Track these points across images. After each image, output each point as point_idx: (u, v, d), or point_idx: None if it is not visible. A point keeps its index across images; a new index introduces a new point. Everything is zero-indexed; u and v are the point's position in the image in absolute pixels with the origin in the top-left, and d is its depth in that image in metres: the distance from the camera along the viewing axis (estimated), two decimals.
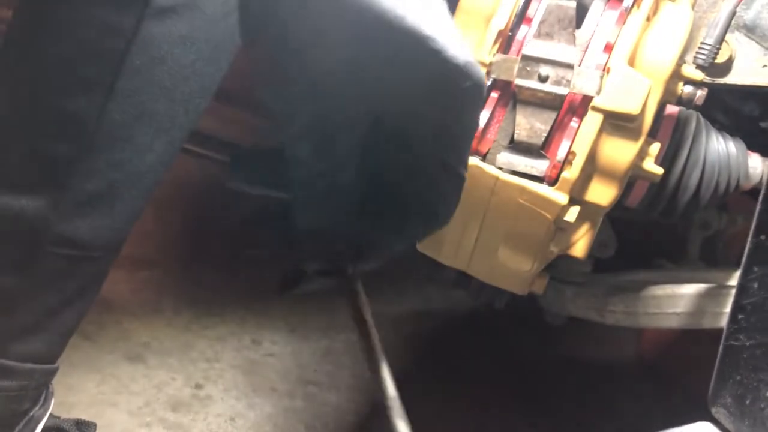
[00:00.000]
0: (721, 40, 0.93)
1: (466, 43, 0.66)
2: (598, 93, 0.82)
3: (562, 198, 0.83)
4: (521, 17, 0.87)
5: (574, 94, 0.83)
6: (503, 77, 0.84)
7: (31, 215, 0.72)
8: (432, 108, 0.72)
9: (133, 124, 0.72)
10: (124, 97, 0.70)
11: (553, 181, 0.84)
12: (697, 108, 0.91)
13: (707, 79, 0.95)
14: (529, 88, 0.83)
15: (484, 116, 0.86)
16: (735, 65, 0.96)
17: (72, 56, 0.69)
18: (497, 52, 0.85)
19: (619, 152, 0.84)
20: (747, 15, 0.96)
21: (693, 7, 0.91)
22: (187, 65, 0.72)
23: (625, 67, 0.83)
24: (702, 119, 0.98)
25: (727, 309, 0.74)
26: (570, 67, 0.82)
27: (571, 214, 0.85)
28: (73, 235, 0.73)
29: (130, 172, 0.74)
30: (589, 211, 0.88)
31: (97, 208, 0.74)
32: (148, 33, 0.68)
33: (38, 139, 0.71)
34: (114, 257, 0.80)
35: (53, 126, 0.71)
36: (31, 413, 0.83)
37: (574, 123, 0.84)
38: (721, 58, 0.95)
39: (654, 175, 0.88)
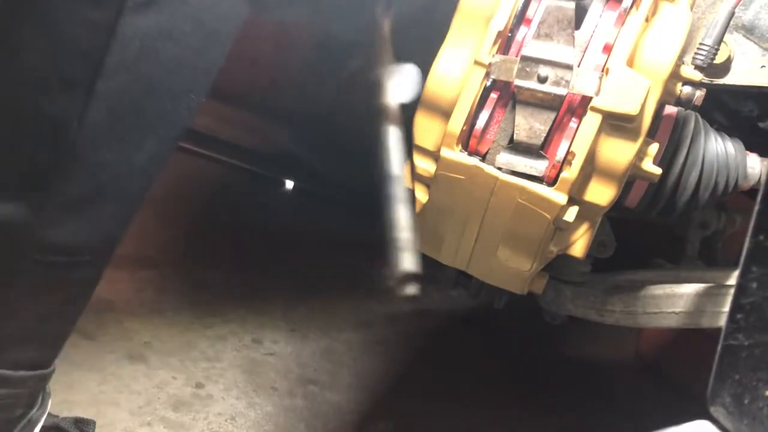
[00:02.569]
0: (720, 40, 0.94)
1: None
2: (597, 93, 0.82)
3: (561, 198, 0.83)
4: (520, 18, 0.87)
5: (573, 94, 0.84)
6: (503, 78, 0.85)
7: (13, 223, 0.69)
8: None
9: (118, 123, 0.69)
10: (106, 96, 0.67)
11: (552, 182, 0.84)
12: (695, 108, 0.91)
13: (706, 80, 0.95)
14: (528, 89, 0.83)
15: (483, 116, 0.87)
16: (733, 66, 0.96)
17: (49, 55, 0.66)
18: (497, 52, 0.85)
19: (618, 152, 0.84)
20: (745, 15, 0.96)
21: (692, 7, 0.91)
22: (174, 59, 0.69)
23: (624, 68, 0.83)
24: (701, 119, 0.98)
25: (726, 308, 0.74)
26: (569, 67, 0.82)
27: (570, 214, 0.85)
28: (60, 241, 0.70)
29: (118, 173, 0.71)
30: (588, 211, 0.88)
31: (83, 213, 0.71)
32: (128, 28, 0.65)
33: (16, 143, 0.68)
34: (106, 261, 0.77)
35: (32, 128, 0.68)
36: (29, 416, 0.82)
37: (573, 123, 0.84)
38: (719, 59, 0.95)
39: (653, 175, 0.88)
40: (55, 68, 0.66)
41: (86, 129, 0.68)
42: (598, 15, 0.87)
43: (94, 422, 0.97)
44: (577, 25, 0.86)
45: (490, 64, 0.85)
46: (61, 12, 0.65)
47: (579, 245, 0.91)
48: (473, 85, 0.85)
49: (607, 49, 0.85)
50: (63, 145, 0.68)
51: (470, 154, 0.87)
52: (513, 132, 0.85)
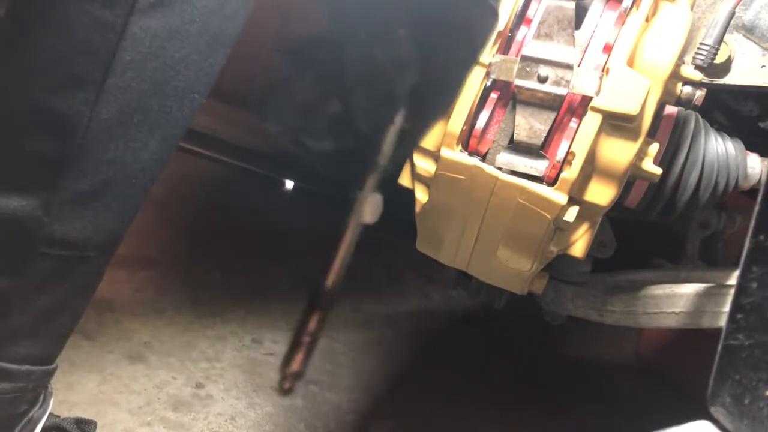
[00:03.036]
0: (720, 40, 0.94)
1: None
2: (597, 93, 0.82)
3: (561, 198, 0.83)
4: (521, 18, 0.87)
5: (574, 94, 0.84)
6: (503, 78, 0.85)
7: (22, 217, 0.70)
8: None
9: (126, 121, 0.70)
10: (115, 94, 0.69)
11: (552, 182, 0.84)
12: (696, 108, 0.91)
13: (706, 80, 0.95)
14: (528, 89, 0.83)
15: (483, 116, 0.87)
16: (734, 66, 0.96)
17: (61, 52, 0.67)
18: (497, 52, 0.85)
19: (618, 152, 0.84)
20: (746, 15, 0.96)
21: (692, 7, 0.91)
22: (180, 60, 0.70)
23: (624, 68, 0.83)
24: (701, 119, 0.98)
25: (726, 308, 0.74)
26: (569, 67, 0.82)
27: (571, 214, 0.85)
28: (67, 236, 0.72)
29: (125, 169, 0.72)
30: (588, 211, 0.88)
31: (90, 208, 0.72)
32: (137, 28, 0.67)
33: (27, 139, 0.70)
34: (110, 257, 0.79)
35: (42, 125, 0.69)
36: (30, 414, 0.82)
37: (573, 123, 0.84)
38: (719, 59, 0.95)
39: (653, 175, 0.88)
40: (66, 66, 0.68)
41: (95, 126, 0.69)
42: (598, 15, 0.87)
43: (95, 423, 0.97)
44: (577, 25, 0.86)
45: (490, 64, 0.85)
46: (72, 12, 0.66)
47: (579, 245, 0.91)
48: (473, 84, 0.85)
49: (608, 49, 0.85)
50: (72, 141, 0.69)
51: (470, 154, 0.87)
52: (513, 132, 0.85)
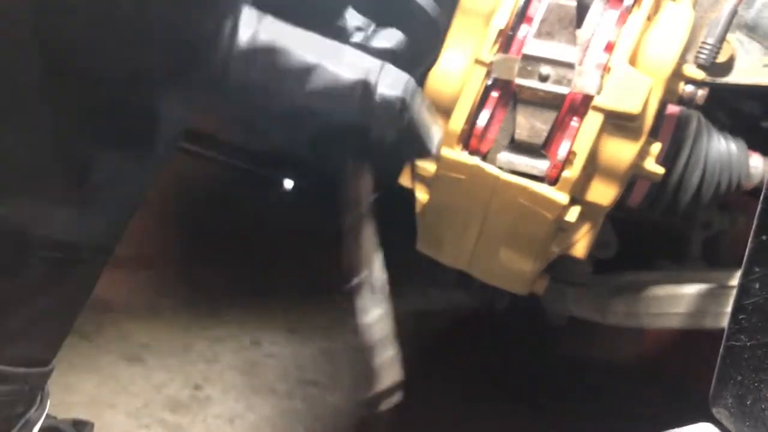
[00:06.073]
0: (722, 39, 0.93)
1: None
2: (598, 92, 0.82)
3: (562, 198, 0.83)
4: (522, 16, 0.87)
5: (575, 93, 0.83)
6: (504, 77, 0.84)
7: (14, 219, 0.70)
8: None
9: None
10: None
11: (553, 181, 0.84)
12: (698, 107, 0.91)
13: (708, 79, 0.94)
14: (529, 88, 0.83)
15: (484, 116, 0.86)
16: (736, 65, 0.96)
17: None
18: (498, 51, 0.85)
19: (620, 152, 0.84)
20: (748, 14, 0.95)
21: (694, 6, 0.91)
22: None
23: (626, 67, 0.82)
24: (703, 119, 0.98)
25: (729, 309, 0.74)
26: (570, 66, 0.82)
27: (572, 214, 0.85)
28: (61, 238, 0.72)
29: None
30: (590, 211, 0.88)
31: (85, 209, 0.72)
32: None
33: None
34: (106, 257, 0.78)
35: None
36: (27, 416, 0.82)
37: (574, 122, 0.83)
38: (722, 58, 0.94)
39: (655, 174, 0.88)
40: None
41: None
42: (599, 13, 0.87)
43: (92, 424, 0.96)
44: (579, 23, 0.85)
45: (491, 63, 0.84)
46: None
47: (581, 246, 0.90)
48: (474, 83, 0.85)
49: (609, 47, 0.84)
50: None
51: (471, 153, 0.86)
52: (514, 131, 0.84)
